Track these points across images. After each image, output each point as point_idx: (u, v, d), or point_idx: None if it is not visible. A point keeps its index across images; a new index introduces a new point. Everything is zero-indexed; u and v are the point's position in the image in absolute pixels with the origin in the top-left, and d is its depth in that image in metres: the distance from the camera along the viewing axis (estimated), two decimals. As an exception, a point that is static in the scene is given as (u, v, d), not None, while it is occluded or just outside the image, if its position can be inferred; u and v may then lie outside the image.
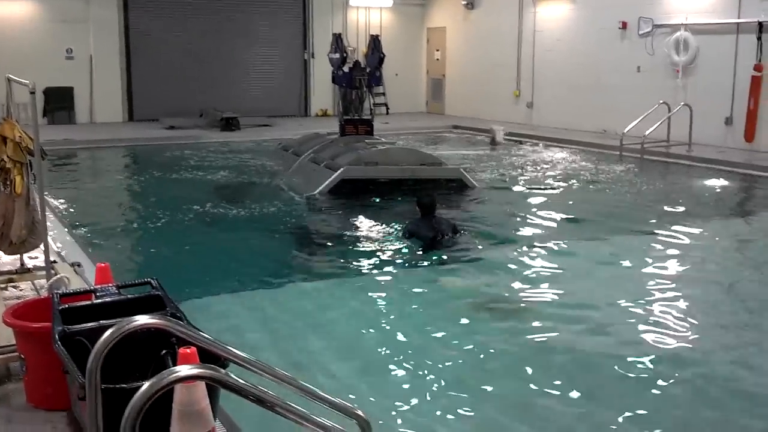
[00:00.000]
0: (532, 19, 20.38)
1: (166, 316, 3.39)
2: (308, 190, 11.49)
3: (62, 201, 11.03)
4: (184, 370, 2.72)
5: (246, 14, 22.25)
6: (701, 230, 9.73)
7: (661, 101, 15.36)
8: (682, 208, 10.93)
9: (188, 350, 3.04)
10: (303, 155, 13.19)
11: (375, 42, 13.91)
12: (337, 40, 14.44)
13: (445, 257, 8.33)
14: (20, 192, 5.66)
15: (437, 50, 24.48)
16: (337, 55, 14.20)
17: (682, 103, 15.19)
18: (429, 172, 11.92)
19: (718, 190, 12.54)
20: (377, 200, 11.20)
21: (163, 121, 19.76)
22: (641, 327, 6.32)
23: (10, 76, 5.83)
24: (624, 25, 17.47)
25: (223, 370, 2.77)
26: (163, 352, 3.57)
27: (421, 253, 8.45)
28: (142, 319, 2.96)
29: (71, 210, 10.57)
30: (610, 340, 6.11)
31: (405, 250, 8.55)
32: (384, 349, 5.93)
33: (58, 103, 19.94)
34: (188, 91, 21.41)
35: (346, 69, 14.04)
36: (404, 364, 5.59)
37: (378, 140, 13.67)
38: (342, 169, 11.55)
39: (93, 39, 20.30)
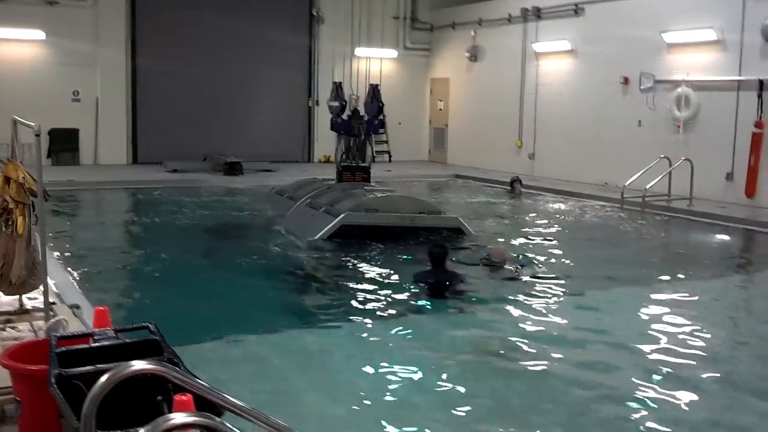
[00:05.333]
0: (535, 72, 20.63)
1: (162, 362, 3.37)
2: (308, 235, 11.45)
3: (63, 242, 11.03)
4: (179, 417, 2.72)
5: (253, 60, 22.52)
6: (702, 285, 9.71)
7: (662, 155, 15.44)
8: (683, 262, 10.90)
9: (184, 397, 3.01)
10: (300, 200, 13.20)
11: (374, 91, 14.07)
12: (337, 89, 14.63)
13: (449, 306, 8.31)
14: (22, 233, 5.68)
15: (440, 100, 24.73)
16: (337, 103, 14.37)
17: (683, 158, 15.27)
18: (428, 220, 11.98)
19: (719, 245, 12.54)
20: (376, 246, 11.16)
21: (167, 165, 19.85)
22: (638, 379, 6.26)
23: (16, 117, 5.89)
24: (626, 80, 17.65)
25: (218, 419, 2.76)
26: (159, 398, 3.54)
27: (425, 301, 8.44)
28: (138, 365, 2.95)
29: (71, 251, 10.54)
30: (609, 391, 6.07)
31: (407, 298, 8.54)
32: (384, 399, 5.85)
33: (63, 144, 20.10)
34: (193, 135, 21.56)
35: (344, 117, 14.18)
36: (403, 416, 5.52)
37: (375, 187, 13.74)
38: (343, 215, 11.55)
39: (100, 81, 20.54)
